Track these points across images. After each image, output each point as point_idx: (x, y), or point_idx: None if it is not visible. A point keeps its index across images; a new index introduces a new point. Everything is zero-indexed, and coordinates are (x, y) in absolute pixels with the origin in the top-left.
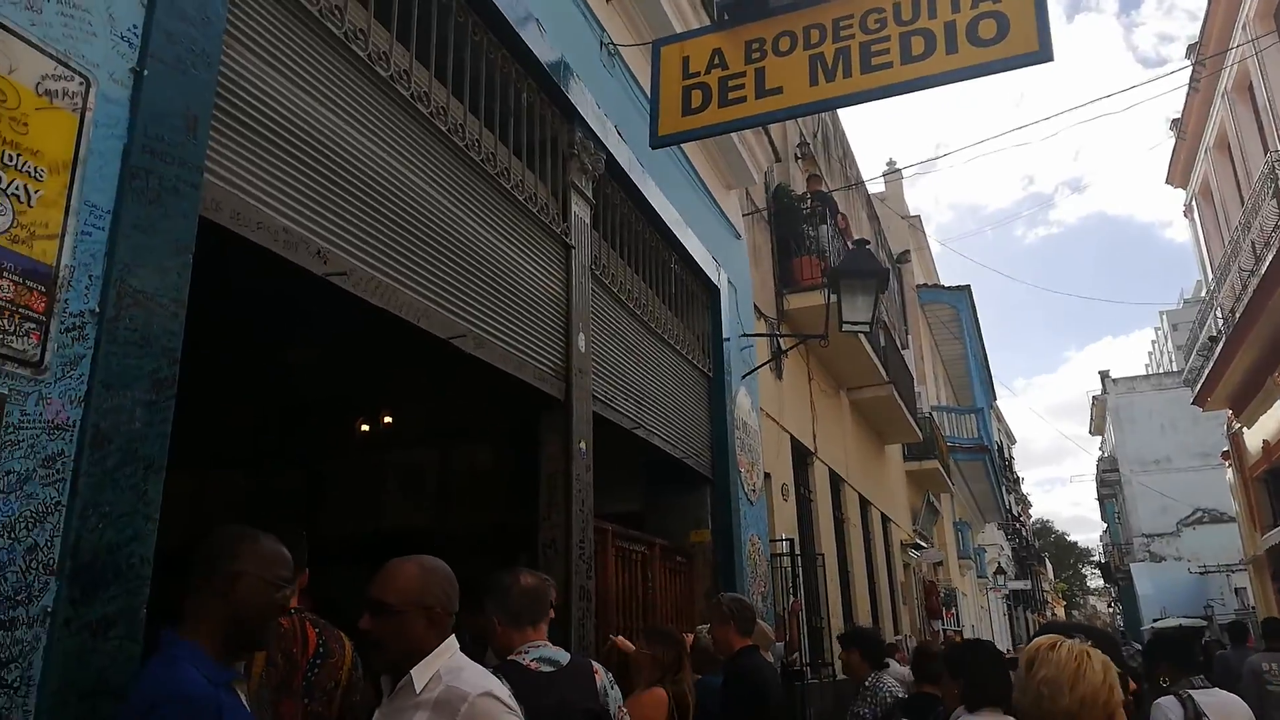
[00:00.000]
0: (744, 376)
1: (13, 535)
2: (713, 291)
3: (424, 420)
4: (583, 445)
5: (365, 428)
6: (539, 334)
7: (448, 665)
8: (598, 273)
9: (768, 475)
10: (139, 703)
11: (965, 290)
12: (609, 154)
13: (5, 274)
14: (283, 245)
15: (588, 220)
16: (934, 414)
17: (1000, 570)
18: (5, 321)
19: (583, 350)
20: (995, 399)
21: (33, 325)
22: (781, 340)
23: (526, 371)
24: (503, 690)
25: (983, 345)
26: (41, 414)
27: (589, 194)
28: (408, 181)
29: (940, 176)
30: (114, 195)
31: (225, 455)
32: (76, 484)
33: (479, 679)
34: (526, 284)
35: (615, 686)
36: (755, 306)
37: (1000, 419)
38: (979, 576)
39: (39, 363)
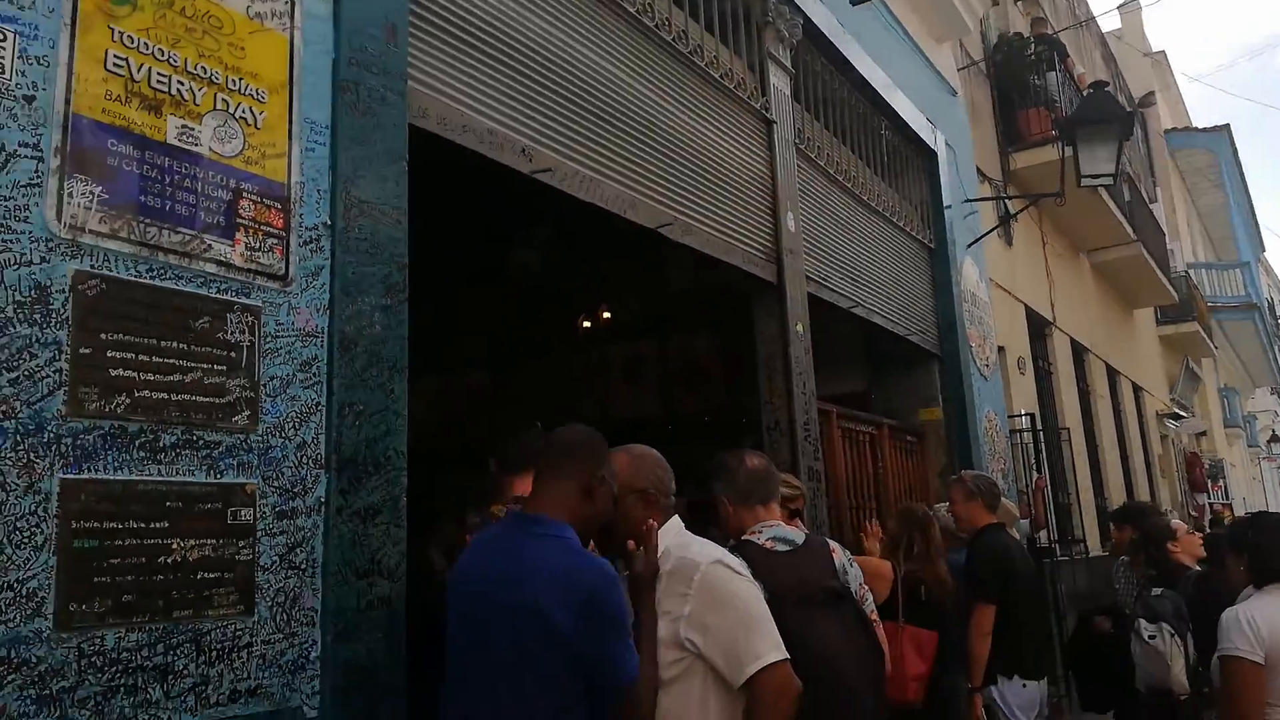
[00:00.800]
0: (969, 245)
1: (284, 434)
2: (929, 156)
3: (642, 312)
4: (799, 328)
5: (587, 324)
6: (746, 216)
7: (675, 541)
8: (802, 147)
9: (1001, 349)
10: (590, 579)
11: (1223, 131)
12: (806, 18)
13: (245, 194)
14: (489, 146)
15: (788, 92)
16: (1190, 272)
17: (1275, 438)
18: (251, 239)
19: (792, 230)
20: (1264, 250)
21: (275, 241)
22: (1009, 203)
23: (735, 256)
24: (733, 559)
25: (1247, 192)
26: (293, 323)
27: (787, 64)
28: (602, 71)
29: (1184, 2)
30: (329, 110)
31: (462, 357)
32: (331, 385)
33: (708, 549)
34: (729, 165)
35: (854, 564)
36: (977, 169)
37: (1270, 272)
38: (1249, 446)
39: (285, 275)
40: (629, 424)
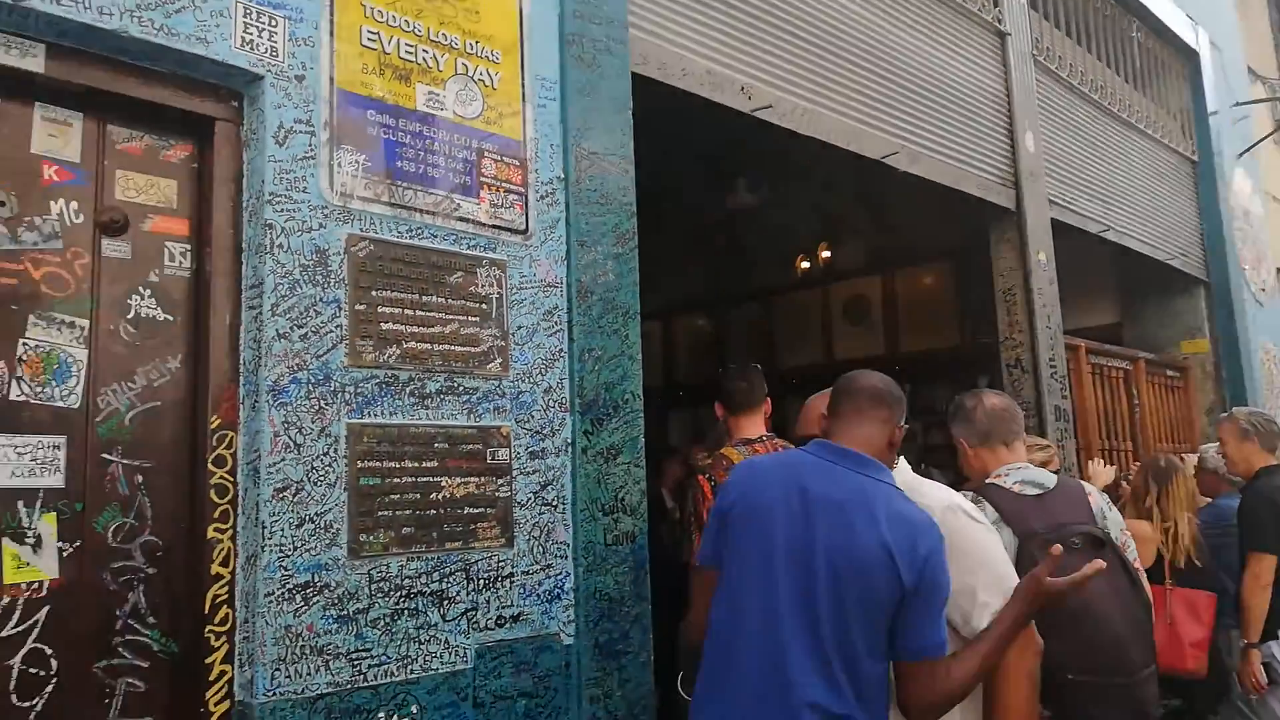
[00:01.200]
0: (1240, 155)
1: (532, 380)
2: (1189, 57)
3: (864, 249)
4: (1042, 256)
5: (806, 264)
6: (979, 139)
7: (905, 482)
8: (1040, 58)
9: None
10: (933, 539)
11: None
12: None
13: (487, 154)
14: (708, 88)
15: (1023, 0)
16: None
17: None
18: (495, 196)
19: (1031, 150)
20: None
21: (515, 197)
22: None
23: (968, 183)
24: (969, 504)
25: None
26: (535, 274)
27: None
28: None
29: None
30: (557, 65)
31: (686, 301)
32: (571, 333)
33: (942, 493)
34: (959, 86)
35: (1113, 509)
36: (1249, 68)
37: None
38: None
39: (525, 229)
40: (852, 365)
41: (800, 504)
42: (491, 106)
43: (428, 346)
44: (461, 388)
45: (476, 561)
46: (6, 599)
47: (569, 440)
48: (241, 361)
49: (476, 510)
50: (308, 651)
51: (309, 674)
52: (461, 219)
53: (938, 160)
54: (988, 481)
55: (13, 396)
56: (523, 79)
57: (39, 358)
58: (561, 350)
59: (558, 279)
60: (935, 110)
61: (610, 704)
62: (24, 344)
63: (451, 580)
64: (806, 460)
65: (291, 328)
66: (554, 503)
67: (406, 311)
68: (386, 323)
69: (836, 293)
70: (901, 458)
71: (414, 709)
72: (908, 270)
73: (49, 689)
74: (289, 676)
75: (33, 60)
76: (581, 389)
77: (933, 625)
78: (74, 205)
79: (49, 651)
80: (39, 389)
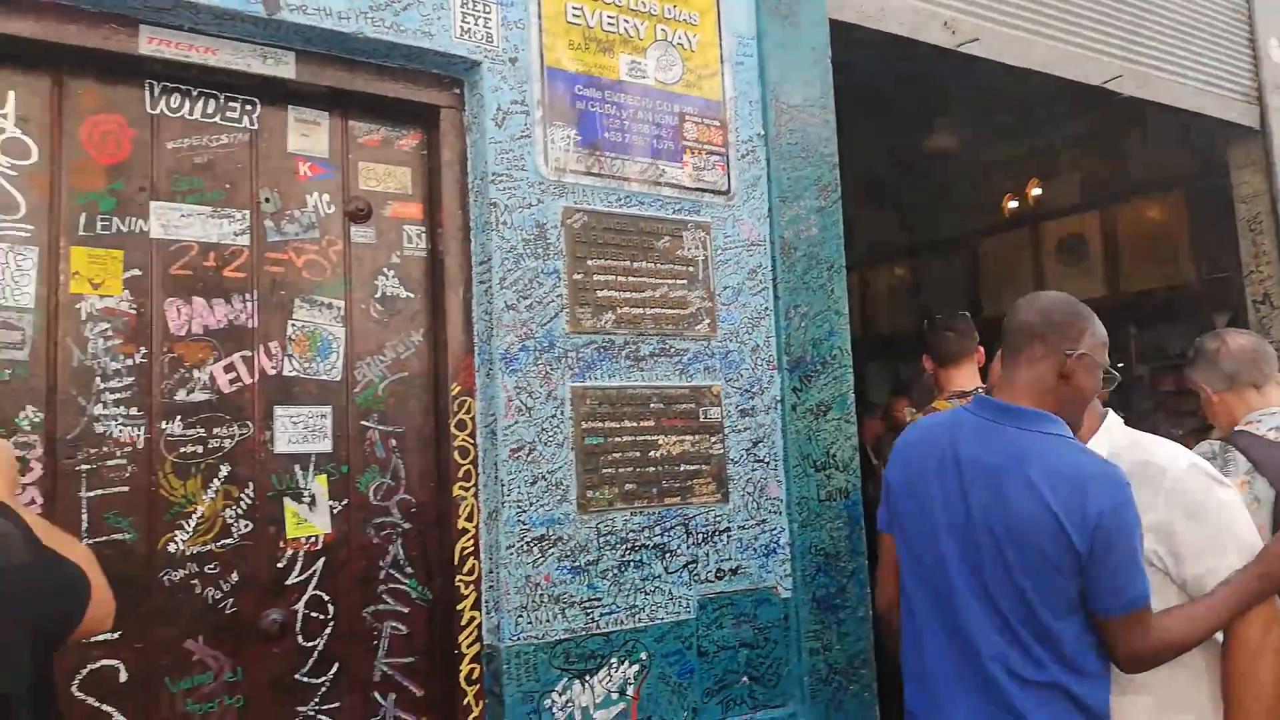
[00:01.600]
0: None
1: (739, 339)
2: None
3: (1080, 183)
4: None
5: (1014, 203)
6: (1216, 53)
7: (1124, 439)
8: None
9: None
10: (1108, 487)
11: None
12: None
13: (688, 117)
14: (909, 27)
15: None
16: None
17: None
18: (697, 159)
19: (1277, 61)
20: None
21: (717, 158)
22: None
23: (1204, 102)
24: (1205, 463)
25: None
26: (739, 234)
27: None
28: None
29: None
30: (753, 20)
31: (882, 251)
32: (776, 290)
33: (1173, 450)
34: None
35: None
36: None
37: None
38: None
39: (727, 190)
40: None
41: (954, 471)
42: (691, 69)
43: (640, 311)
44: (673, 349)
45: (694, 516)
46: (290, 551)
47: (778, 397)
48: (475, 333)
49: (692, 467)
50: (546, 600)
51: (548, 621)
52: (666, 184)
53: (1168, 80)
54: (1237, 429)
55: (286, 373)
56: (720, 39)
57: (305, 337)
58: (767, 308)
59: (761, 237)
60: (1163, 25)
61: (830, 656)
62: (292, 325)
63: (672, 534)
64: (965, 420)
65: (518, 299)
66: (766, 459)
67: (619, 278)
68: (601, 290)
69: (1048, 232)
70: (1111, 413)
71: (643, 656)
72: (1129, 203)
73: (328, 630)
74: (530, 623)
75: (285, 67)
76: (788, 346)
77: (1126, 581)
78: (325, 197)
79: (326, 598)
80: (306, 365)
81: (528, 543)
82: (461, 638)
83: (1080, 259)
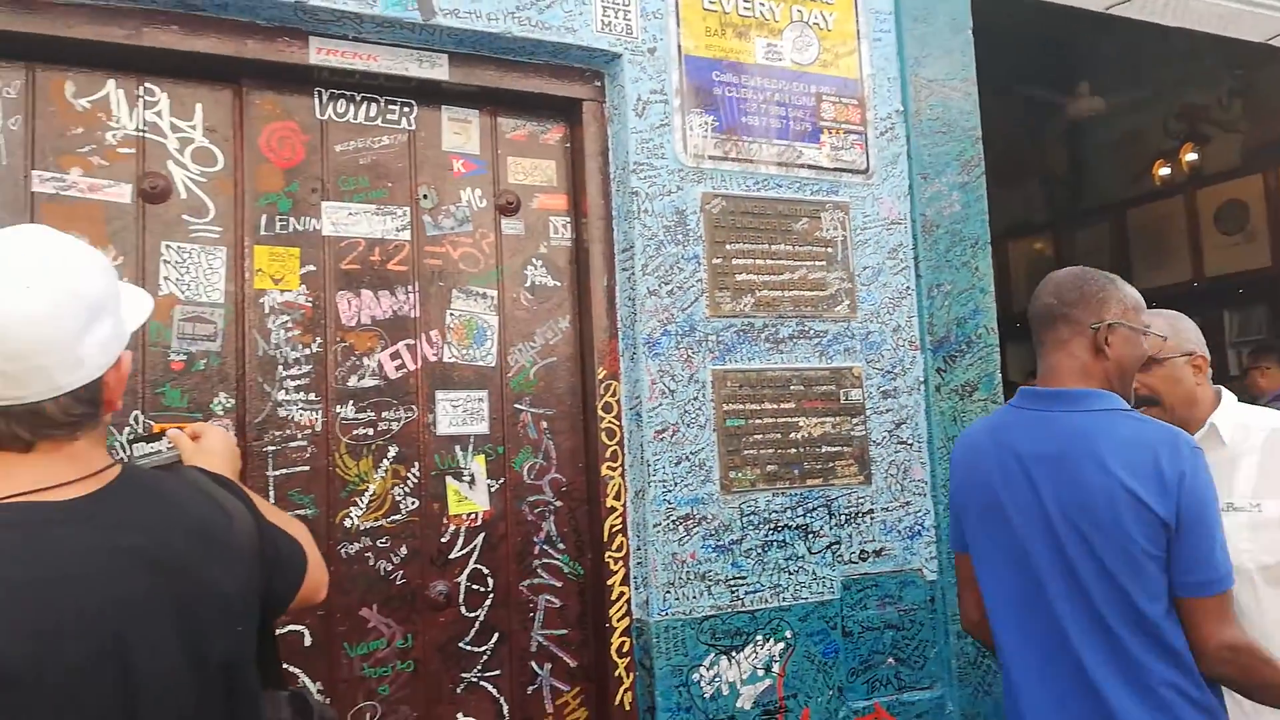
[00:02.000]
0: None
1: (880, 320)
2: None
3: (1239, 146)
4: None
5: (1165, 169)
6: None
7: (1247, 410)
8: None
9: None
10: (1180, 451)
11: None
12: None
13: (825, 98)
14: None
15: None
16: None
17: None
18: (835, 139)
19: None
20: None
21: (855, 136)
22: None
23: None
24: None
25: None
26: (878, 213)
27: None
28: None
29: None
30: None
31: (1021, 224)
32: (918, 269)
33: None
34: None
35: None
36: None
37: None
38: None
39: (866, 169)
40: (1228, 281)
41: (1018, 471)
42: (827, 49)
43: (779, 294)
44: (812, 331)
45: (837, 498)
46: (453, 527)
47: (921, 378)
48: (619, 318)
49: (834, 449)
50: (692, 577)
51: (694, 597)
52: (804, 166)
53: None
54: None
55: (446, 359)
56: (857, 16)
57: (462, 325)
58: (909, 288)
59: (901, 215)
60: None
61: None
62: (450, 314)
63: (815, 515)
64: (1013, 417)
65: (659, 285)
66: (909, 441)
67: (757, 261)
68: (740, 274)
69: (1205, 199)
70: (1225, 390)
71: (788, 634)
72: None
73: (488, 602)
74: (678, 599)
75: (439, 69)
76: (931, 326)
77: (1211, 553)
78: (478, 192)
79: (485, 571)
80: (464, 351)
81: (673, 521)
82: (612, 612)
83: (1240, 226)
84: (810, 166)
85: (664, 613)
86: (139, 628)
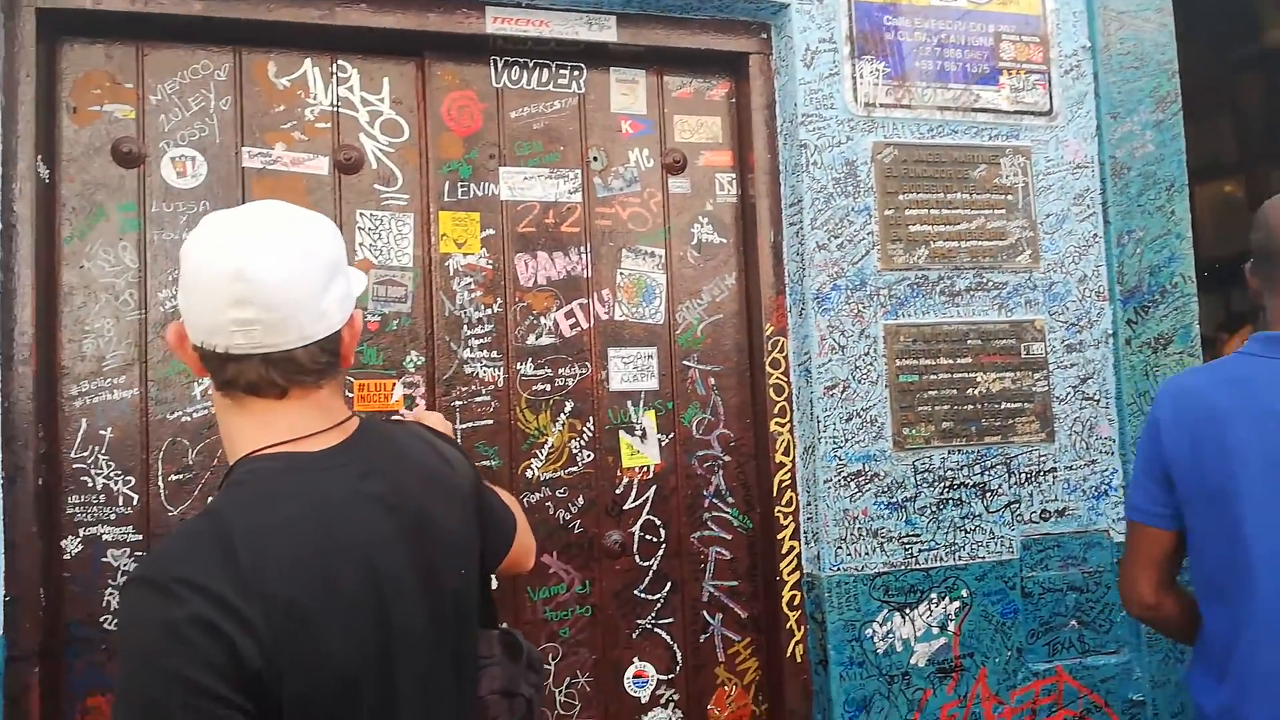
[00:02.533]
0: None
1: (1064, 269)
2: None
3: None
4: None
5: None
6: None
7: None
8: None
9: None
10: None
11: None
12: None
13: (1004, 37)
14: None
15: None
16: None
17: None
18: (1014, 80)
19: None
20: None
21: (1037, 77)
22: None
23: None
24: None
25: None
26: (1062, 157)
27: None
28: None
29: None
30: None
31: (1210, 165)
32: (1106, 215)
33: None
34: None
35: None
36: None
37: None
38: None
39: (1049, 110)
40: None
41: (1276, 430)
42: None
43: (954, 244)
44: (990, 283)
45: (1016, 456)
46: (626, 479)
47: (1109, 331)
48: (787, 274)
49: (1013, 405)
50: (864, 533)
51: (866, 553)
52: (980, 110)
53: None
54: None
55: (617, 317)
56: None
57: (632, 284)
58: (1096, 235)
59: (1088, 158)
60: None
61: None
62: (621, 273)
63: (993, 473)
64: (1258, 369)
65: (829, 238)
66: (1095, 397)
67: (932, 211)
68: (913, 225)
69: None
70: None
71: (964, 593)
72: None
73: (660, 552)
74: (849, 554)
75: (606, 31)
76: (1121, 275)
77: None
78: (645, 152)
79: (658, 522)
80: (634, 309)
81: (844, 478)
82: (782, 565)
83: None
84: (988, 110)
85: (835, 568)
86: (387, 565)
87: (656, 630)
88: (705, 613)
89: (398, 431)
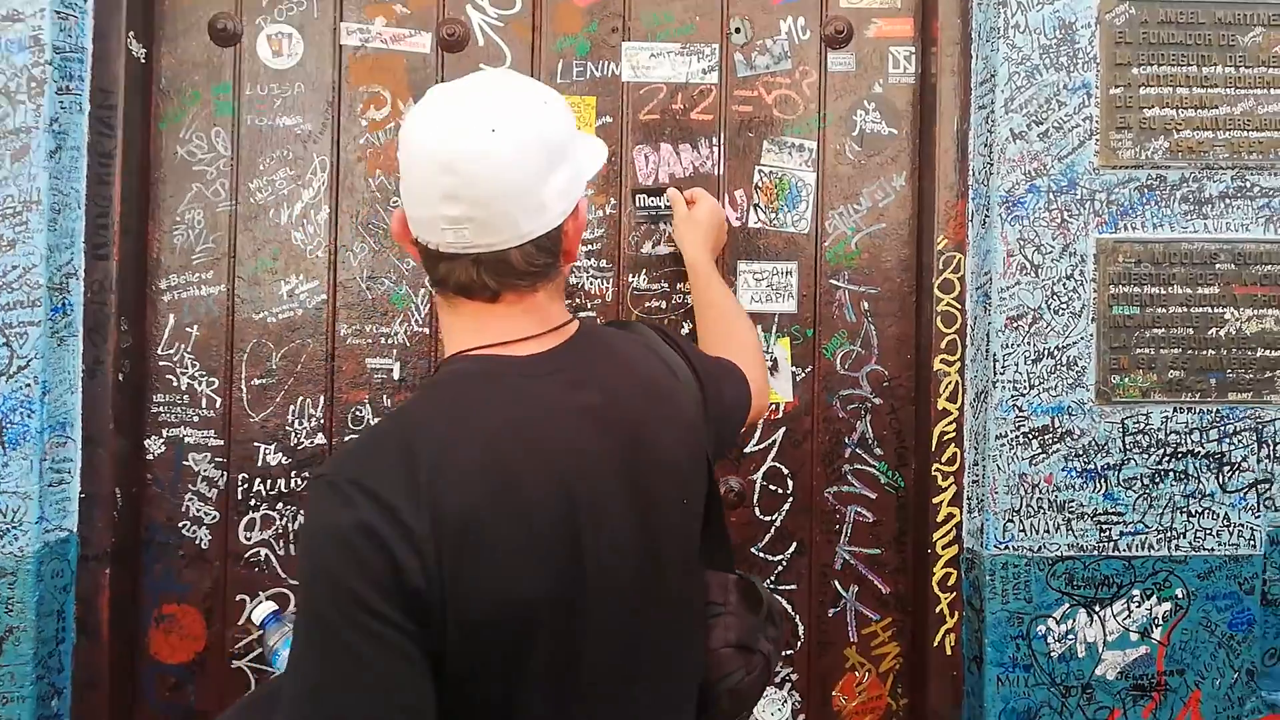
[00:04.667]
0: None
1: None
2: None
3: None
4: None
5: None
6: None
7: None
8: None
9: None
10: None
11: None
12: None
13: None
14: None
15: None
16: None
17: None
18: None
19: None
20: None
21: None
22: None
23: None
24: None
25: None
26: None
27: None
28: None
29: None
30: None
31: None
32: None
33: None
34: None
35: None
36: None
37: None
38: None
39: None
40: None
41: None
42: None
43: (1208, 135)
44: (1256, 189)
45: (1273, 420)
46: None
47: None
48: (970, 172)
49: (1275, 354)
50: (1045, 506)
51: (1046, 531)
52: None
53: None
54: None
55: (751, 224)
56: None
57: (772, 184)
58: None
59: None
60: None
61: None
62: (759, 171)
63: (1235, 441)
64: None
65: (1028, 125)
66: None
67: (1178, 90)
68: (1150, 108)
69: None
70: None
71: (1178, 592)
72: None
73: (785, 506)
74: (1023, 530)
75: None
76: None
77: None
78: (800, 21)
79: (785, 471)
80: (772, 215)
81: (1025, 434)
82: (936, 536)
83: None
84: None
85: (1003, 545)
86: (590, 487)
87: (776, 596)
88: (837, 583)
89: (620, 337)
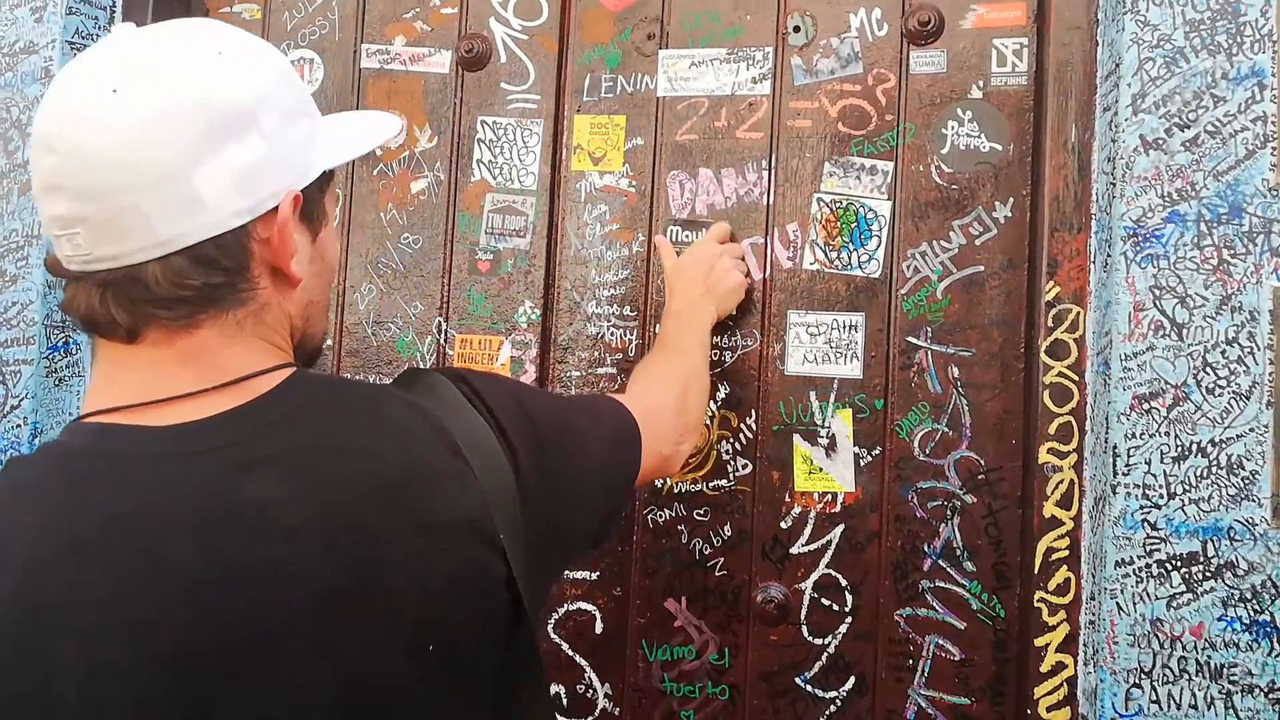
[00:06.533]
0: None
1: None
2: None
3: None
4: None
5: None
6: None
7: None
8: None
9: None
10: None
11: None
12: None
13: None
14: None
15: None
16: None
17: None
18: None
19: None
20: None
21: None
22: None
23: None
24: None
25: None
26: None
27: None
28: None
29: None
30: None
31: None
32: None
33: None
34: None
35: None
36: None
37: None
38: None
39: None
40: None
41: None
42: None
43: None
44: None
45: None
46: (798, 509)
47: None
48: (1092, 196)
49: None
50: (1191, 670)
51: (1193, 707)
52: None
53: None
54: None
55: (806, 265)
56: None
57: (835, 215)
58: None
59: None
60: None
61: None
62: (818, 200)
63: None
64: None
65: (1167, 129)
66: None
67: None
68: None
69: None
70: None
71: None
72: None
73: (842, 629)
74: (1156, 702)
75: None
76: None
77: None
78: (875, 14)
79: (843, 581)
80: (834, 254)
81: (1161, 563)
82: (1039, 691)
83: None
84: None
85: (1128, 718)
86: (211, 627)
87: None
88: None
89: (361, 399)
